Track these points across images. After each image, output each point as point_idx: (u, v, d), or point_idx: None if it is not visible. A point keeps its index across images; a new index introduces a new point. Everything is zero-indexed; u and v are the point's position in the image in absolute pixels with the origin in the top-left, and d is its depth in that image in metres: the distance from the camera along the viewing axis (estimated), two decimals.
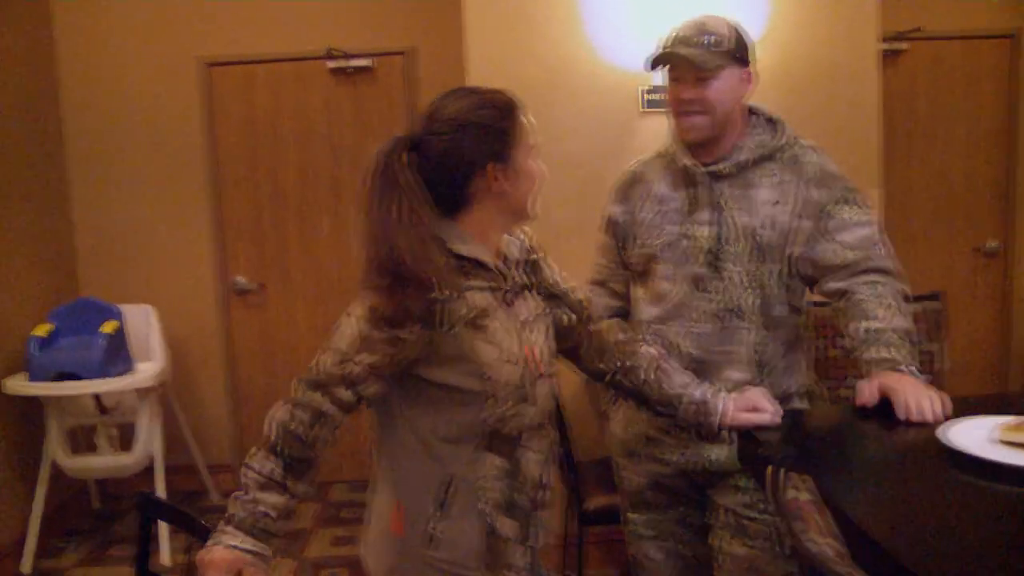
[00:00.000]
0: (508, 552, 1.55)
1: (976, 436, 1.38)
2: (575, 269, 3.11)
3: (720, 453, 1.91)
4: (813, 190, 1.86)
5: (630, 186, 2.06)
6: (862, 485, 1.32)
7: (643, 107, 3.26)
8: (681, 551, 2.04)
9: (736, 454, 1.71)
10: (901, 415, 1.55)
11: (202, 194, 4.29)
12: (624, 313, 2.09)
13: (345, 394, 1.46)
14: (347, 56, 4.19)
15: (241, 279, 4.36)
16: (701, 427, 1.72)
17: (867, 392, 1.62)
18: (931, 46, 4.25)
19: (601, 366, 1.76)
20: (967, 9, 4.27)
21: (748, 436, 1.60)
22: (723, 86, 1.83)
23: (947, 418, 1.51)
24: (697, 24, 1.86)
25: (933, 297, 2.81)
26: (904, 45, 4.12)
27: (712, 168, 1.89)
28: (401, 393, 1.52)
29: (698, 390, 1.70)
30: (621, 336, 1.78)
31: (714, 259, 1.88)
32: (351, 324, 1.46)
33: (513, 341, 1.52)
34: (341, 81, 4.26)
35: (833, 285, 1.85)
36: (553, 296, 1.71)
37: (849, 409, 1.65)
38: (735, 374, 1.86)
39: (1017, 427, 1.35)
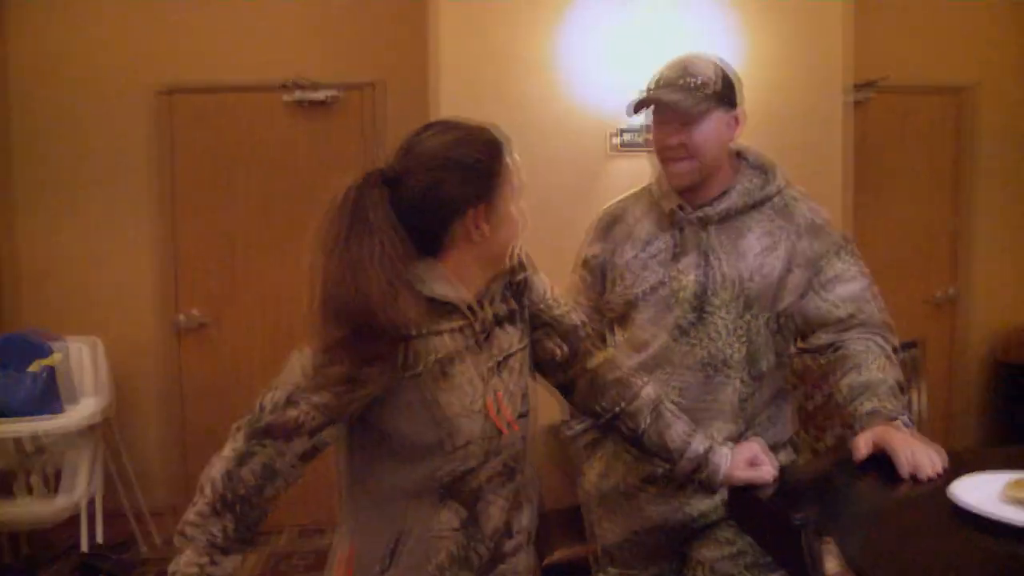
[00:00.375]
0: None
1: (983, 493, 1.35)
2: None
3: (704, 506, 1.83)
4: (805, 241, 1.80)
5: (611, 226, 1.98)
6: (872, 541, 1.27)
7: (611, 150, 3.25)
8: None
9: (726, 510, 1.64)
10: (904, 473, 1.49)
11: (154, 224, 4.16)
12: None
13: (296, 444, 1.32)
14: (311, 87, 4.11)
15: (195, 312, 4.21)
16: (699, 482, 1.62)
17: (862, 447, 1.56)
18: (892, 97, 4.33)
19: (598, 408, 1.63)
20: (925, 63, 4.36)
21: (740, 489, 1.54)
22: (709, 130, 1.77)
23: (944, 471, 1.47)
24: (682, 65, 1.79)
25: (911, 345, 2.81)
26: (870, 95, 4.19)
27: (700, 213, 1.82)
28: (357, 440, 1.42)
29: (699, 443, 1.60)
30: (619, 373, 1.64)
31: (699, 308, 1.80)
32: (301, 360, 1.33)
33: (477, 392, 1.40)
34: (303, 112, 4.17)
35: (823, 338, 1.79)
36: (544, 324, 1.59)
37: (840, 461, 1.59)
38: (720, 426, 1.77)
39: (1018, 483, 1.32)
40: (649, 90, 1.80)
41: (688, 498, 1.84)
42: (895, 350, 1.75)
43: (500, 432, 1.43)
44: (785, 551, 1.37)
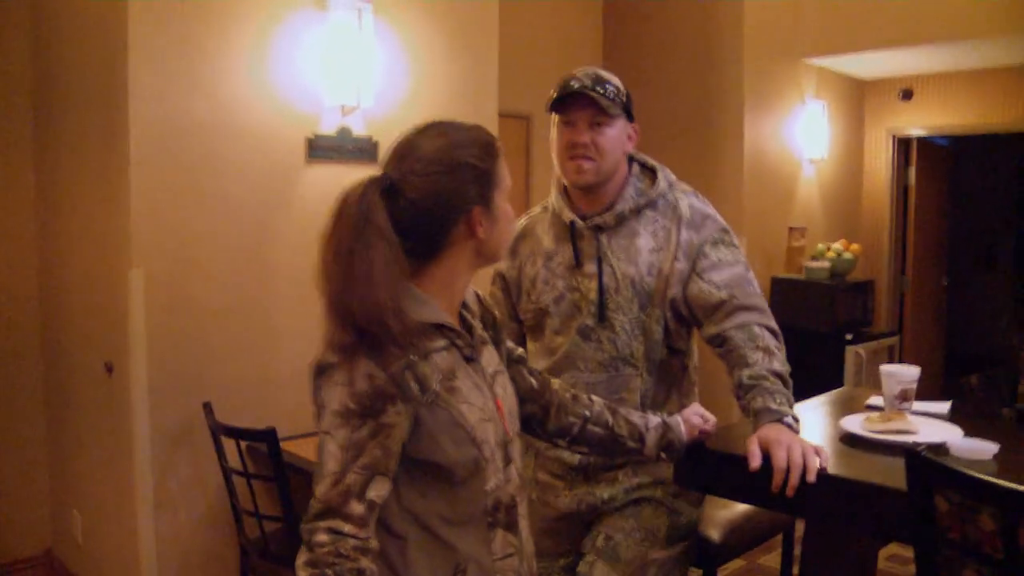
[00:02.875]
0: None
1: (854, 424, 1.92)
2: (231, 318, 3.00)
3: (607, 493, 2.00)
4: (687, 232, 1.95)
5: (519, 241, 2.10)
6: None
7: (308, 157, 3.27)
8: None
9: (674, 475, 1.87)
10: (779, 470, 1.61)
11: None
12: None
13: (357, 508, 1.30)
14: None
15: None
16: (670, 447, 1.77)
17: (752, 457, 1.65)
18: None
19: (569, 420, 1.72)
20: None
21: (690, 456, 1.81)
22: (615, 135, 1.92)
23: (823, 467, 1.63)
24: (595, 74, 1.93)
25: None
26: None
27: (595, 222, 1.97)
28: (403, 481, 1.38)
29: (652, 416, 1.78)
30: (571, 391, 1.76)
31: (601, 310, 1.95)
32: (331, 440, 1.32)
33: (485, 397, 1.46)
34: None
35: (711, 331, 1.91)
36: (516, 360, 1.68)
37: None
38: None
39: (878, 419, 1.92)
40: (564, 91, 1.91)
41: (593, 487, 2.02)
42: (774, 333, 1.89)
43: (508, 436, 1.50)
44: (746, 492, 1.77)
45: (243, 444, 2.85)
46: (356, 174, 3.30)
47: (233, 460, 2.89)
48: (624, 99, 1.96)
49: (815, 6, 5.33)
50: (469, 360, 1.45)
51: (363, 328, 1.30)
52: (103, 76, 2.99)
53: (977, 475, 1.34)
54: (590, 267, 1.98)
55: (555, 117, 1.97)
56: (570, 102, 1.92)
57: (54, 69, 3.40)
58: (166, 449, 3.01)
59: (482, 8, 3.78)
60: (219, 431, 2.85)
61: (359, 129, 3.38)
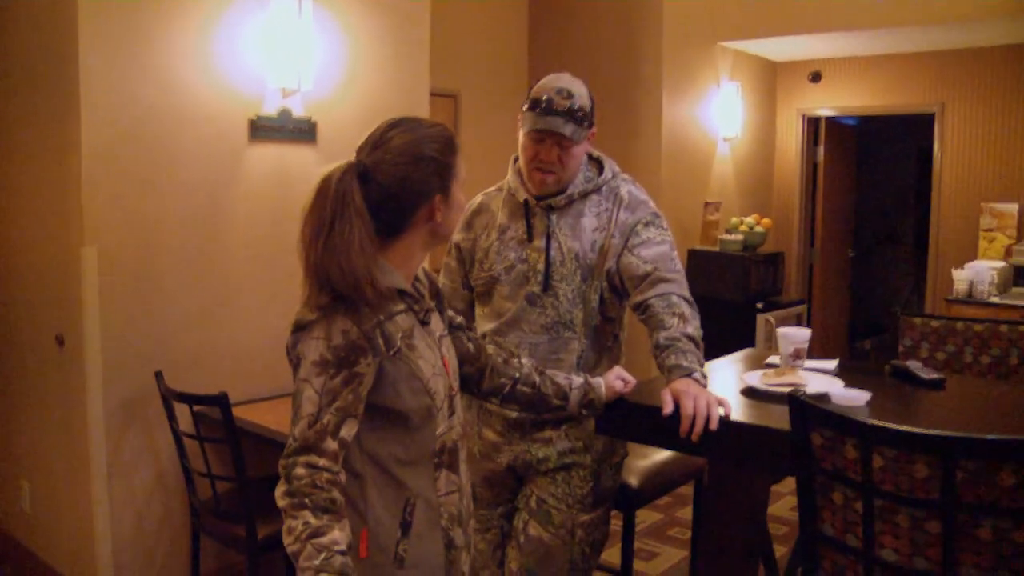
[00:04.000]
0: (460, 560, 1.72)
1: (754, 378, 2.23)
2: (202, 290, 3.18)
3: (542, 453, 2.25)
4: (624, 213, 2.21)
5: (474, 216, 2.35)
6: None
7: (251, 137, 3.43)
8: (504, 543, 2.35)
9: (597, 425, 2.13)
10: (686, 417, 1.88)
11: None
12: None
13: (331, 445, 1.52)
14: None
15: None
16: (591, 405, 2.01)
17: (666, 402, 1.92)
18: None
19: (502, 381, 1.95)
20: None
21: (611, 408, 2.07)
22: (579, 150, 2.17)
23: (726, 415, 1.91)
24: (565, 91, 2.12)
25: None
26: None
27: (547, 201, 2.21)
28: (365, 424, 1.59)
29: (576, 378, 2.02)
30: (503, 355, 1.98)
31: (547, 280, 2.20)
32: (308, 386, 1.53)
33: (436, 355, 1.68)
34: None
35: (636, 299, 2.14)
36: (456, 327, 1.91)
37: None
38: None
39: (773, 374, 2.23)
40: (541, 111, 2.11)
41: (530, 445, 2.26)
42: (688, 302, 2.13)
43: (452, 391, 1.74)
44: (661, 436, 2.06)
45: (195, 410, 3.04)
46: (296, 153, 3.57)
47: (185, 426, 3.08)
48: (589, 110, 2.17)
49: None
50: (423, 323, 1.69)
51: (340, 292, 1.53)
52: (54, 62, 3.10)
53: (842, 414, 1.64)
54: (539, 242, 2.23)
55: (524, 125, 2.17)
56: (547, 132, 2.12)
57: (3, 53, 3.47)
58: (119, 418, 3.17)
59: None
60: (171, 397, 3.03)
61: (299, 111, 3.55)
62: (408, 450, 1.64)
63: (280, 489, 1.53)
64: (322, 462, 1.52)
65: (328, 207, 1.53)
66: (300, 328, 1.58)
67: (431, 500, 1.67)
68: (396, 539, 1.62)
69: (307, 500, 1.49)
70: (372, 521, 1.61)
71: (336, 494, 1.52)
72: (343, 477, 1.55)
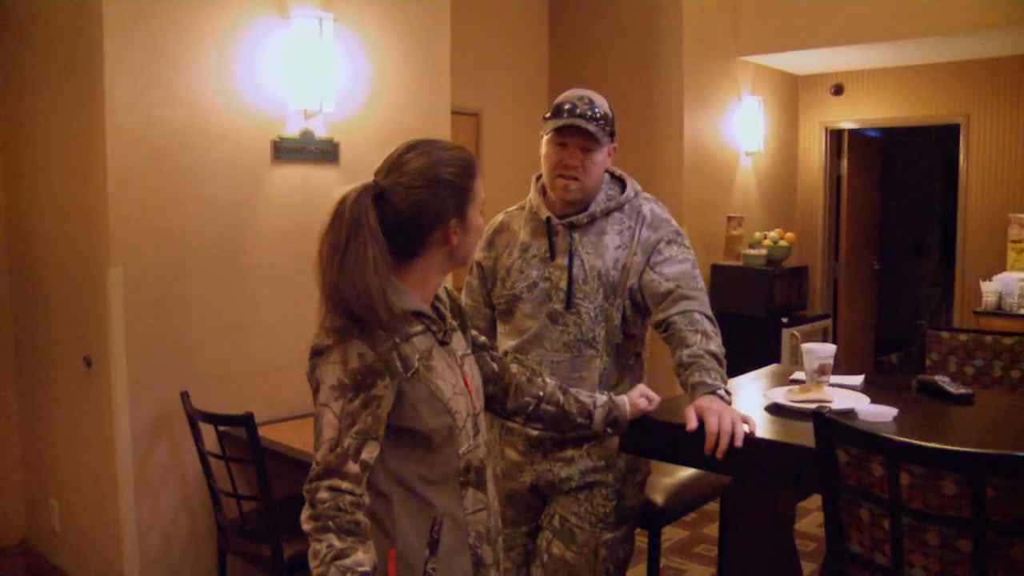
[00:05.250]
0: None
1: (779, 395, 2.22)
2: (226, 310, 3.22)
3: (565, 472, 2.24)
4: (646, 231, 2.23)
5: (496, 234, 2.37)
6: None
7: (274, 159, 3.47)
8: (528, 561, 2.35)
9: (621, 442, 2.14)
10: (711, 434, 1.88)
11: None
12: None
13: (353, 468, 1.52)
14: None
15: None
16: (615, 423, 2.01)
17: (690, 419, 1.92)
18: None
19: (525, 400, 1.94)
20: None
21: (635, 425, 2.06)
22: (601, 157, 2.19)
23: (751, 433, 1.91)
24: (587, 100, 2.16)
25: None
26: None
27: (569, 219, 2.22)
28: (388, 446, 1.60)
29: (600, 396, 2.02)
30: (527, 374, 1.97)
31: (569, 298, 2.21)
32: (328, 411, 1.54)
33: (456, 375, 1.68)
34: None
35: (658, 317, 2.15)
36: (480, 346, 1.90)
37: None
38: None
39: (798, 391, 2.21)
40: (567, 118, 2.13)
41: (552, 464, 2.26)
42: (711, 320, 2.14)
43: (476, 410, 1.74)
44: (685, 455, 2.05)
45: (221, 430, 3.06)
46: (319, 174, 3.60)
47: (210, 445, 3.10)
48: (610, 123, 2.20)
49: (752, 7, 5.65)
50: (442, 343, 1.69)
51: (355, 314, 1.53)
52: (79, 84, 3.15)
53: (868, 431, 1.62)
54: (562, 260, 2.24)
55: (548, 134, 2.21)
56: (565, 127, 2.16)
57: (25, 75, 3.53)
58: (145, 437, 3.20)
59: (435, 13, 4.00)
60: (197, 417, 3.05)
61: (321, 132, 3.58)
62: (432, 469, 1.65)
63: (305, 513, 1.53)
64: (344, 485, 1.52)
65: (343, 229, 1.53)
66: (317, 353, 1.59)
67: (458, 518, 1.67)
68: (424, 558, 1.62)
69: (331, 523, 1.50)
70: (400, 541, 1.61)
71: (360, 516, 1.53)
72: (367, 499, 1.55)
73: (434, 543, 1.63)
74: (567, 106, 2.17)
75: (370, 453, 1.56)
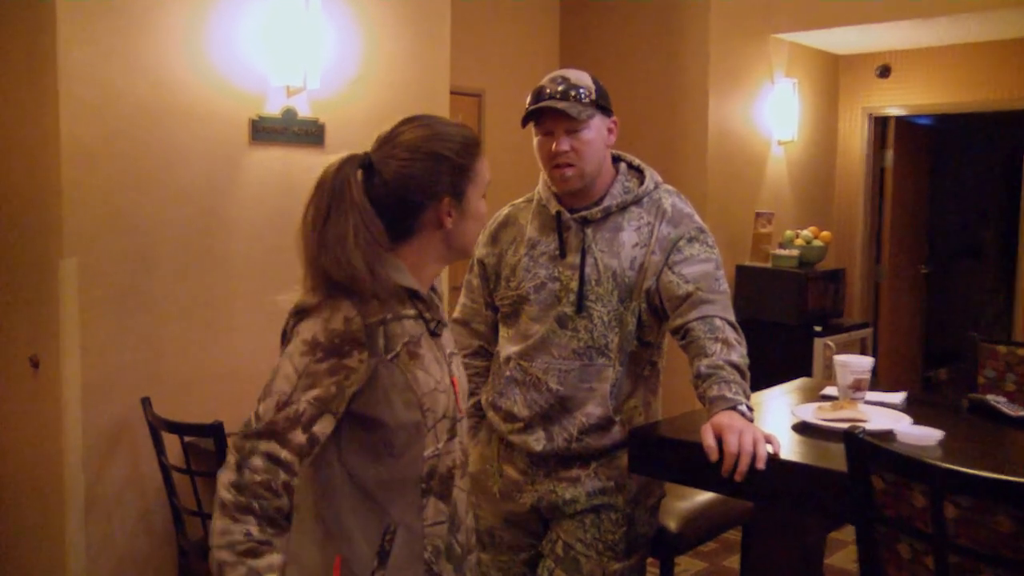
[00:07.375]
0: None
1: (807, 412, 2.19)
2: (196, 307, 3.18)
3: (569, 495, 2.22)
4: (666, 227, 2.20)
5: (500, 229, 2.35)
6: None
7: (252, 139, 3.44)
8: None
9: (628, 466, 2.13)
10: (730, 455, 1.86)
11: None
12: (484, 352, 2.39)
13: (299, 438, 1.52)
14: None
15: None
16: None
17: (707, 440, 1.90)
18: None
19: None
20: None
21: (643, 443, 2.07)
22: (592, 135, 2.16)
23: (775, 453, 1.90)
24: (562, 78, 2.17)
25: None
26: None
27: (581, 214, 2.20)
28: (344, 436, 1.61)
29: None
30: None
31: (581, 300, 2.19)
32: (289, 362, 1.56)
33: (444, 371, 1.70)
34: None
35: (675, 322, 2.14)
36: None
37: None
38: (594, 409, 2.18)
39: (829, 408, 2.18)
40: (537, 103, 2.15)
41: (556, 485, 2.23)
42: (734, 327, 2.12)
43: (459, 414, 1.74)
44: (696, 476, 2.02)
45: (186, 440, 3.03)
46: (302, 157, 3.57)
47: (174, 458, 3.07)
48: (596, 97, 2.18)
49: None
50: (433, 335, 1.70)
51: (338, 285, 1.55)
52: (29, 48, 3.13)
53: (908, 455, 1.59)
54: (573, 258, 2.22)
55: (534, 128, 2.22)
56: (542, 115, 2.17)
57: None
58: (99, 449, 3.18)
59: None
60: (160, 426, 3.03)
61: (305, 111, 3.57)
62: (391, 471, 1.64)
63: (226, 476, 1.51)
64: (284, 455, 1.51)
65: (324, 199, 1.57)
66: (299, 312, 1.60)
67: (414, 529, 1.66)
68: (372, 568, 1.62)
69: (255, 504, 1.49)
70: (347, 547, 1.62)
71: (286, 501, 1.52)
72: (298, 481, 1.55)
73: (384, 553, 1.63)
74: (537, 90, 2.18)
75: (323, 428, 1.56)
